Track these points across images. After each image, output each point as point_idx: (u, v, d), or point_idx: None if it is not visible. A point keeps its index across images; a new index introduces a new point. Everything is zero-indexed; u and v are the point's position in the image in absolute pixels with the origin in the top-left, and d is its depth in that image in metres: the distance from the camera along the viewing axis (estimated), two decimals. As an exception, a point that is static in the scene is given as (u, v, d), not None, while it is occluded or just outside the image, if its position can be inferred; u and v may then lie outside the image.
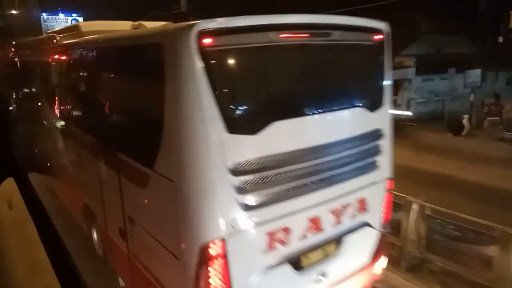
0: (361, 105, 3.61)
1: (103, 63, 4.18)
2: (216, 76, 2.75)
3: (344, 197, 3.59)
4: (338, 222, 3.60)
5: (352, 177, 3.62)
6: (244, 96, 2.98)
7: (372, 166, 3.82)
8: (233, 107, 2.90)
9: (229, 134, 2.82)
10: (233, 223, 2.91)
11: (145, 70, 3.28)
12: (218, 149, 2.83)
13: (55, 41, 5.89)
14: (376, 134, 3.79)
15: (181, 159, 2.88)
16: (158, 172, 3.16)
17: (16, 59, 9.21)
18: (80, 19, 29.78)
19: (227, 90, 2.87)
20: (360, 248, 3.95)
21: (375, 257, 4.12)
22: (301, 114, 3.18)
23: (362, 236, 3.87)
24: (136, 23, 6.02)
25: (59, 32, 6.17)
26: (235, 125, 2.84)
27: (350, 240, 3.71)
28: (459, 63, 18.39)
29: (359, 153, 3.66)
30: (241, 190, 2.92)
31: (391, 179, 4.08)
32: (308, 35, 3.22)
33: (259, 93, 3.06)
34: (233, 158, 2.87)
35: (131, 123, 3.73)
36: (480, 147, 13.14)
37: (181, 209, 2.95)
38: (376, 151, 3.82)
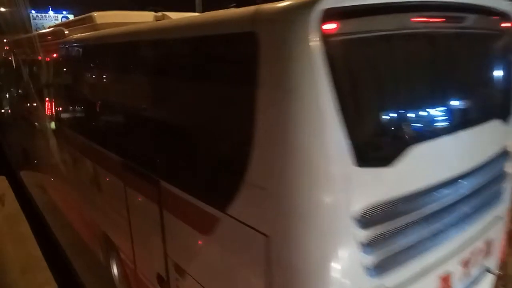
0: (495, 115, 2.68)
1: (143, 62, 3.16)
2: (343, 81, 1.80)
3: (474, 241, 2.67)
4: (467, 276, 2.68)
5: (481, 213, 2.70)
6: (377, 110, 2.02)
7: (499, 196, 2.90)
8: (364, 126, 1.95)
9: (357, 168, 1.88)
10: None
11: (216, 72, 2.29)
12: (341, 191, 1.88)
13: (62, 35, 4.87)
14: (504, 154, 2.87)
15: (282, 205, 1.93)
16: (236, 218, 2.20)
17: (10, 58, 8.14)
18: (71, 16, 28.81)
19: (357, 102, 1.92)
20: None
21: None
22: (440, 132, 2.24)
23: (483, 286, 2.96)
24: (159, 13, 5.09)
25: (67, 25, 5.14)
26: (365, 154, 1.88)
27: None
28: None
29: (489, 181, 2.74)
30: (369, 247, 1.98)
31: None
32: (443, 19, 2.28)
33: (394, 105, 2.10)
34: (360, 203, 1.93)
35: (188, 144, 2.70)
36: None
37: (279, 277, 2.00)
38: (503, 176, 2.90)
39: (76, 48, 4.44)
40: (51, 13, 31.86)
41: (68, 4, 31.29)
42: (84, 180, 4.87)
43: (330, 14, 1.74)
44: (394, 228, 2.05)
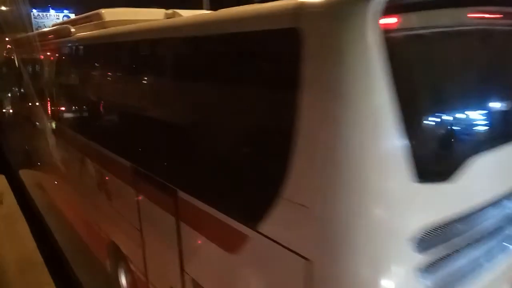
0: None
1: (165, 62, 2.89)
2: (404, 84, 1.55)
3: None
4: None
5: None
6: (439, 116, 1.77)
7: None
8: (425, 135, 1.71)
9: (416, 184, 1.63)
10: None
11: (251, 73, 2.03)
12: (397, 210, 1.64)
13: (69, 33, 4.62)
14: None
15: (327, 226, 1.69)
16: (269, 237, 1.96)
17: (13, 57, 7.90)
18: (72, 15, 28.65)
19: (418, 108, 1.67)
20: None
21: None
22: (502, 141, 1.99)
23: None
24: (170, 11, 4.87)
25: (73, 22, 4.90)
26: (425, 167, 1.64)
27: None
28: None
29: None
30: (426, 273, 1.74)
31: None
32: (500, 15, 2.04)
33: (456, 110, 1.86)
34: (418, 223, 1.69)
35: (213, 151, 2.44)
36: None
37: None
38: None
39: (85, 47, 4.18)
40: (52, 12, 31.86)
41: (69, 3, 31.21)
42: (92, 186, 4.63)
43: (390, 7, 1.50)
44: (452, 250, 1.81)
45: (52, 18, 29.35)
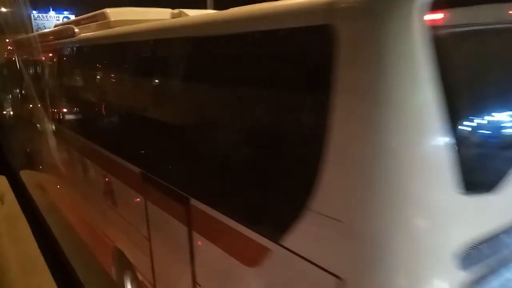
0: None
1: (179, 64, 2.72)
2: (452, 86, 1.41)
3: None
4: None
5: None
6: (487, 121, 1.63)
7: None
8: (474, 142, 1.56)
9: (461, 195, 1.49)
10: None
11: (277, 75, 1.86)
12: (442, 223, 1.50)
13: (73, 34, 4.47)
14: None
15: (362, 242, 1.54)
16: (295, 252, 1.81)
17: (14, 59, 7.75)
18: (72, 16, 28.53)
19: (468, 112, 1.53)
20: None
21: None
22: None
23: None
24: (176, 11, 4.74)
25: (76, 23, 4.75)
26: (471, 177, 1.49)
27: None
28: None
29: None
30: (472, 293, 1.59)
31: None
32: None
33: (506, 114, 1.71)
34: (462, 238, 1.54)
35: (231, 157, 2.28)
36: None
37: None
38: None
39: (91, 48, 4.03)
40: (52, 13, 31.85)
41: (69, 4, 31.16)
42: (97, 191, 4.49)
43: (437, 2, 1.35)
44: (498, 266, 1.66)
45: (52, 20, 29.29)
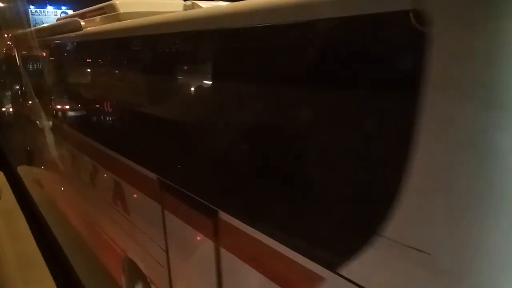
0: None
1: (207, 60, 2.42)
2: None
3: None
4: None
5: None
6: None
7: None
8: None
9: None
10: None
11: (344, 70, 1.55)
12: None
13: (79, 27, 4.15)
14: None
15: (459, 282, 1.25)
16: (358, 284, 1.53)
17: (13, 54, 7.42)
18: (70, 11, 28.14)
19: None
20: None
21: None
22: None
23: None
24: (189, 2, 4.44)
25: (81, 15, 4.43)
26: None
27: None
28: None
29: None
30: None
31: None
32: None
33: None
34: None
35: (275, 167, 1.95)
36: None
37: None
38: None
39: (100, 42, 3.71)
40: (49, 8, 31.51)
41: (66, -1, 30.80)
42: (106, 196, 4.20)
43: None
44: None
45: (49, 15, 28.91)
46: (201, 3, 4.43)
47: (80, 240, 5.25)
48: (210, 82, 2.50)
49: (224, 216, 2.27)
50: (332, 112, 1.60)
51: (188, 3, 4.45)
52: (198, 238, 2.60)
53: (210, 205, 2.36)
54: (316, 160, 1.74)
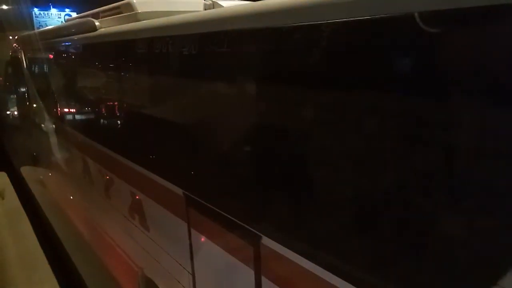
0: None
1: (239, 61, 2.09)
2: None
3: None
4: None
5: None
6: None
7: None
8: None
9: None
10: None
11: (398, 72, 1.26)
12: None
13: (93, 28, 3.88)
14: None
15: None
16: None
17: (20, 57, 7.16)
18: (74, 14, 27.97)
19: None
20: None
21: None
22: None
23: None
24: (208, 1, 4.20)
25: (94, 15, 4.16)
26: None
27: None
28: None
29: None
30: None
31: None
32: None
33: None
34: None
35: (334, 186, 1.65)
36: None
37: None
38: None
39: (120, 44, 3.42)
40: (53, 10, 31.37)
41: (70, 1, 30.65)
42: (121, 208, 3.92)
43: None
44: None
45: (53, 17, 28.75)
46: (222, 2, 4.19)
47: (84, 241, 5.08)
48: (245, 87, 2.21)
49: (268, 242, 1.98)
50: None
51: (208, 2, 4.20)
52: (232, 263, 2.31)
53: (252, 229, 2.07)
54: (380, 183, 1.44)
